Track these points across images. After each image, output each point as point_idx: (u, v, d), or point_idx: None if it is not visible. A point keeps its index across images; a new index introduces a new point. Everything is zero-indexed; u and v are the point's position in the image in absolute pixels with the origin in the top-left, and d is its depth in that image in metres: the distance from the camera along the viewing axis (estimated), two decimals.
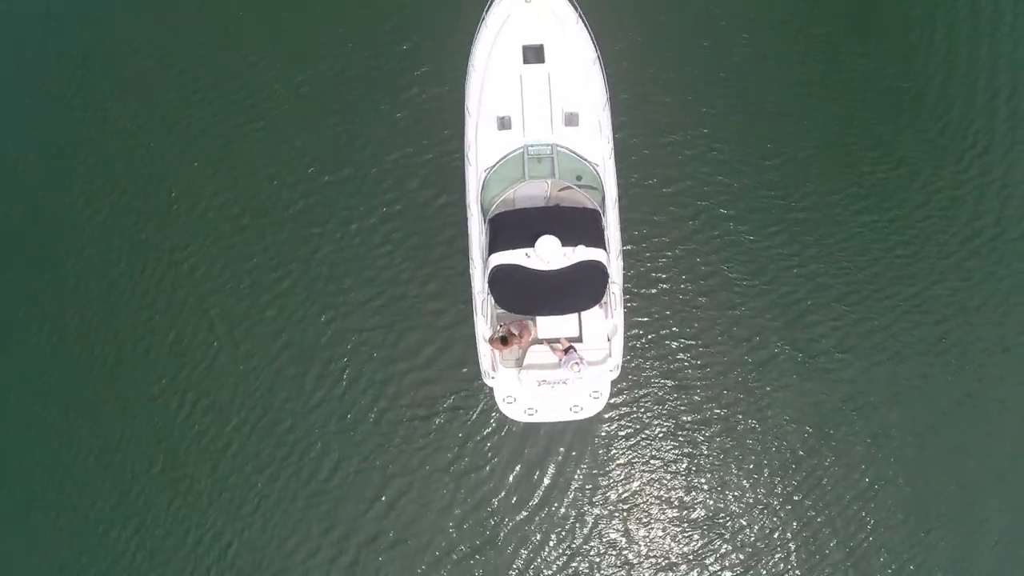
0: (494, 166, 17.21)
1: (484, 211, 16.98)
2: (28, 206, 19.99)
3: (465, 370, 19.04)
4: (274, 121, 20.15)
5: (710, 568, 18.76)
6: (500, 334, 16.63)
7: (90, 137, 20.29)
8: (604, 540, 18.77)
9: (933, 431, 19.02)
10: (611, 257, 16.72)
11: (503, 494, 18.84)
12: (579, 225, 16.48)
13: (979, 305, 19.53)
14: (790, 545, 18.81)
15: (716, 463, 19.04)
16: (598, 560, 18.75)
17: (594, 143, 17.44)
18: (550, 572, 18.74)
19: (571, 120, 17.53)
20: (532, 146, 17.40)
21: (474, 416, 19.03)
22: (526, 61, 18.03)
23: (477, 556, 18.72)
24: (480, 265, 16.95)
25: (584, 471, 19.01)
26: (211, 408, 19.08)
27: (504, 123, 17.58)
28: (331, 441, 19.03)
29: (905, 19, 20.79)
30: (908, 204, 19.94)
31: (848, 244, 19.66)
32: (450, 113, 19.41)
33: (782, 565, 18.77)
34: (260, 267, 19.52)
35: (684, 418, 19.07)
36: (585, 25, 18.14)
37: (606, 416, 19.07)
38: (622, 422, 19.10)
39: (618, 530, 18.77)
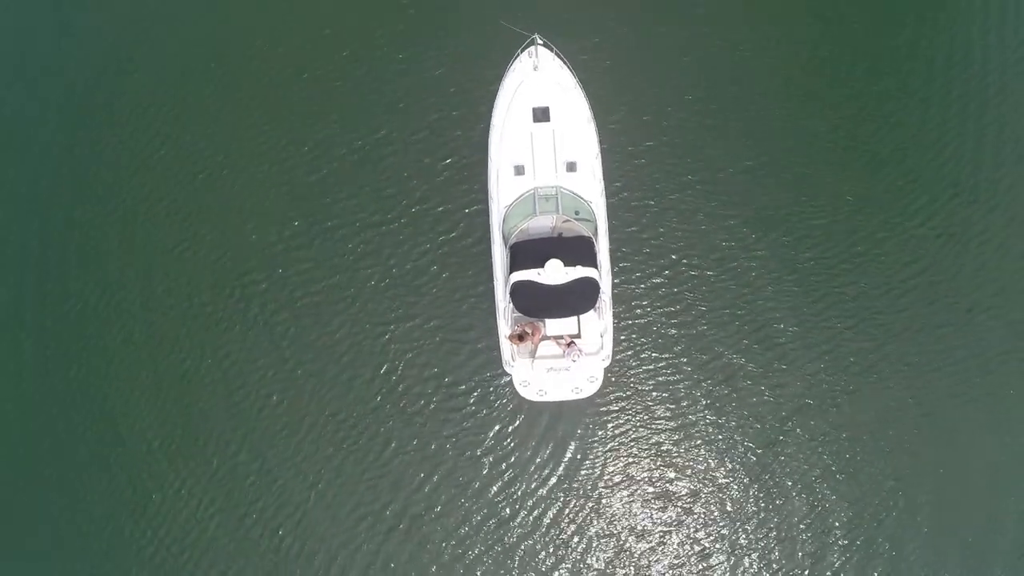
0: (511, 204, 19.96)
1: (505, 239, 19.76)
2: (135, 237, 22.52)
3: (489, 375, 21.44)
4: (334, 174, 22.72)
5: (682, 536, 20.89)
6: (517, 332, 19.23)
7: (183, 183, 22.85)
8: (601, 514, 20.91)
9: (869, 433, 21.21)
10: (602, 274, 19.41)
11: (522, 473, 21.10)
12: (577, 250, 19.10)
13: (910, 331, 21.73)
14: (748, 520, 21.00)
15: (687, 454, 21.20)
16: (597, 528, 20.90)
17: (589, 186, 20.17)
18: (560, 538, 20.80)
19: (571, 167, 20.14)
20: (541, 188, 20.05)
21: (496, 410, 21.32)
22: (535, 120, 20.59)
23: (505, 525, 20.85)
24: (502, 280, 19.67)
25: (584, 457, 21.20)
26: (284, 404, 21.42)
27: (519, 170, 20.17)
28: (385, 431, 21.30)
29: (861, 90, 23.07)
30: (850, 247, 22.12)
31: (795, 280, 21.92)
32: (478, 171, 21.92)
33: (742, 538, 20.92)
34: (325, 295, 21.98)
35: (663, 418, 21.40)
36: (582, 91, 20.77)
37: (601, 416, 21.38)
38: (613, 421, 21.39)
39: (612, 504, 20.93)
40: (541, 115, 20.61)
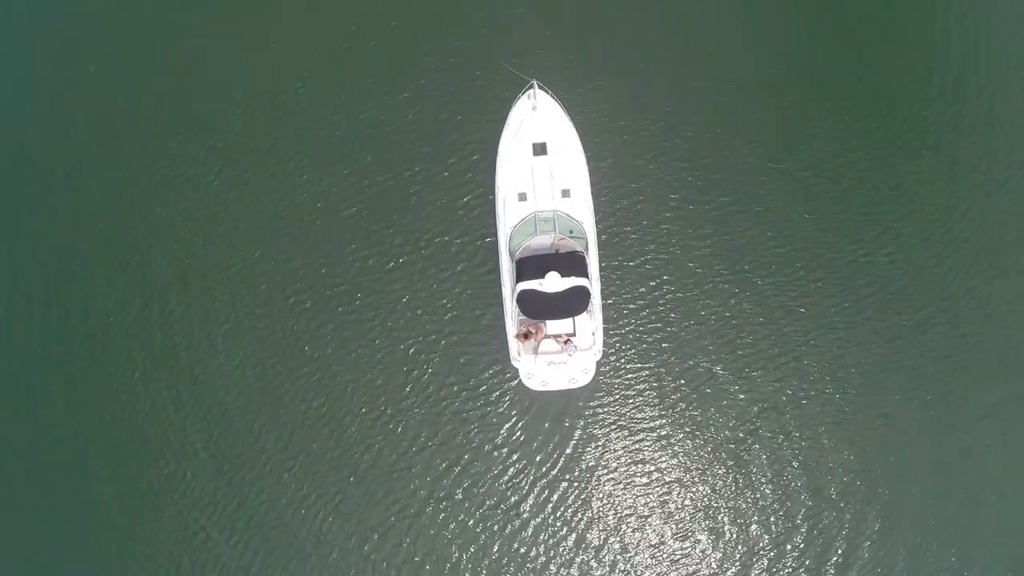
0: (516, 225, 22.29)
1: (511, 254, 22.13)
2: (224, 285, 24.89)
3: (501, 378, 23.67)
4: (368, 207, 25.01)
5: (664, 515, 23.17)
6: (523, 332, 21.63)
7: (234, 212, 25.19)
8: (595, 496, 23.30)
9: (827, 432, 23.35)
10: (592, 282, 21.83)
11: (530, 460, 23.41)
12: (572, 263, 21.50)
13: (864, 343, 23.86)
14: (721, 503, 23.18)
15: (669, 446, 23.46)
16: (593, 507, 23.24)
17: (581, 209, 22.55)
18: (563, 517, 23.14)
19: (565, 194, 22.46)
20: (540, 212, 22.33)
21: (507, 407, 23.64)
22: (535, 154, 22.78)
23: (516, 506, 23.14)
24: (510, 288, 22.06)
25: (581, 448, 23.52)
26: (327, 404, 23.76)
27: (522, 196, 22.49)
28: (413, 427, 23.62)
29: (828, 132, 25.25)
30: (808, 271, 24.35)
31: (754, 300, 24.21)
32: (491, 206, 23.94)
33: (712, 513, 23.16)
34: (362, 311, 24.35)
35: (648, 417, 23.66)
36: (575, 129, 23.11)
37: (595, 413, 23.68)
38: (606, 419, 23.67)
39: (604, 487, 23.27)
40: (540, 149, 22.92)
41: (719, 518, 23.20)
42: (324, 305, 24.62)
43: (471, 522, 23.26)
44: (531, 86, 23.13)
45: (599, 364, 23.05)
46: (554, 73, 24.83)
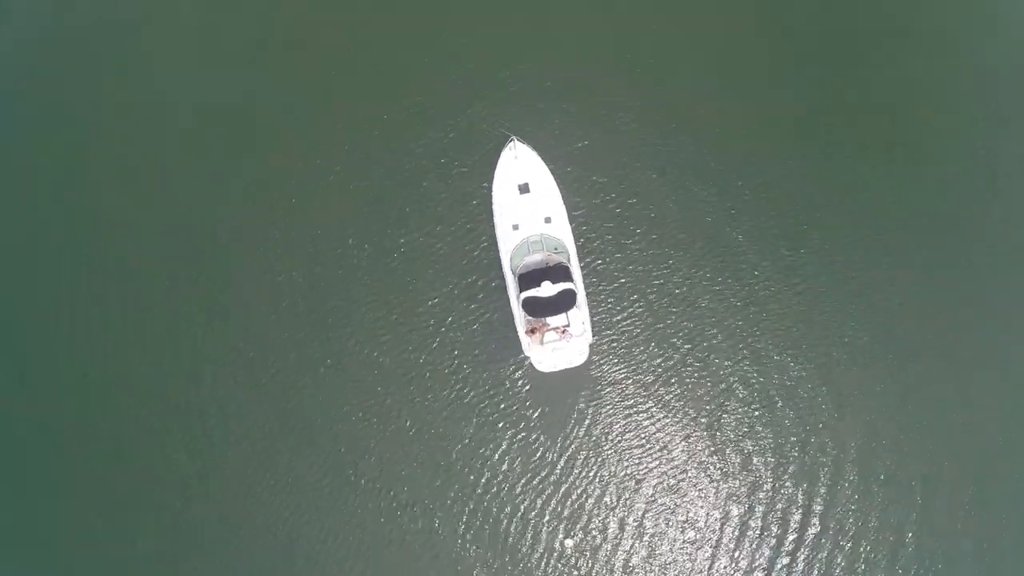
0: (513, 248, 27.03)
1: (513, 271, 26.84)
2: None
3: (520, 380, 28.38)
4: (404, 256, 29.42)
5: (657, 478, 27.81)
6: (530, 328, 26.53)
7: (300, 260, 29.65)
8: (601, 462, 28.06)
9: (778, 397, 28.17)
10: (576, 285, 26.65)
11: (544, 436, 28.19)
12: (559, 273, 26.22)
13: (793, 329, 28.64)
14: (696, 465, 27.80)
15: (653, 424, 28.11)
16: (598, 470, 28.00)
17: (561, 231, 27.38)
18: (580, 473, 27.94)
19: (548, 220, 27.29)
20: (530, 237, 27.24)
21: (524, 400, 28.35)
22: (520, 192, 27.43)
23: (538, 464, 27.94)
24: (515, 297, 26.69)
25: (584, 427, 28.22)
26: (388, 400, 28.23)
27: (515, 227, 27.23)
28: (451, 416, 28.33)
29: (774, 183, 29.83)
30: (748, 269, 29.06)
31: (709, 297, 28.97)
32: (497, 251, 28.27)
33: (691, 484, 27.65)
34: (406, 338, 28.85)
35: (636, 402, 28.27)
36: (551, 172, 27.77)
37: (594, 402, 28.27)
38: (596, 408, 28.32)
39: (607, 455, 27.95)
40: (524, 189, 27.68)
41: (692, 474, 27.84)
42: (371, 332, 29.46)
43: (497, 479, 28.10)
44: (511, 140, 27.73)
45: (591, 347, 27.84)
46: (531, 129, 29.69)
